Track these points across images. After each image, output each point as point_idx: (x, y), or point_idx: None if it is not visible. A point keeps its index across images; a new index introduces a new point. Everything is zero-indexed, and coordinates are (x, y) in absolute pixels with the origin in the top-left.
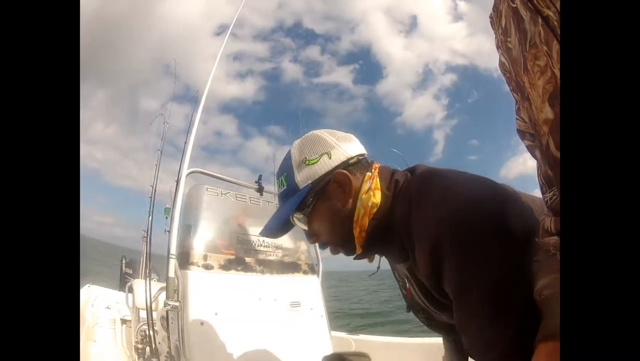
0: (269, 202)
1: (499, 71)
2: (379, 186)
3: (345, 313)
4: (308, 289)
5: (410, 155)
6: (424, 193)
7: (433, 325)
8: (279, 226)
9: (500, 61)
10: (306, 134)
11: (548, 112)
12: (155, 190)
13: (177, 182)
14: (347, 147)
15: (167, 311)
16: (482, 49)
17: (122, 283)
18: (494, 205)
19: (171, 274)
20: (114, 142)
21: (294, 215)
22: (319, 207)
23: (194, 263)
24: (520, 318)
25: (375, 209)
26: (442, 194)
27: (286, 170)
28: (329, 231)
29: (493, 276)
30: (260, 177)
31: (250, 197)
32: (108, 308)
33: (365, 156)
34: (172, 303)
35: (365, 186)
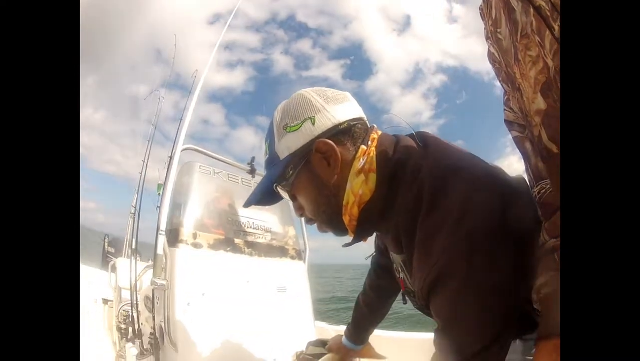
0: None
1: (490, 75)
2: (374, 166)
3: (328, 302)
4: (294, 275)
5: None
6: (440, 198)
7: (427, 312)
8: (259, 197)
9: (489, 51)
10: (293, 95)
11: (540, 103)
12: (147, 165)
13: (171, 157)
14: (336, 110)
15: (152, 290)
16: (475, 51)
17: (104, 261)
18: (506, 244)
19: (159, 251)
20: (101, 127)
21: (276, 186)
22: (300, 180)
23: (183, 241)
24: (500, 340)
25: (367, 198)
26: (460, 214)
27: (269, 137)
28: (313, 209)
29: (485, 308)
30: (252, 159)
31: (242, 178)
32: (89, 286)
33: (363, 120)
34: (159, 281)
35: (357, 164)
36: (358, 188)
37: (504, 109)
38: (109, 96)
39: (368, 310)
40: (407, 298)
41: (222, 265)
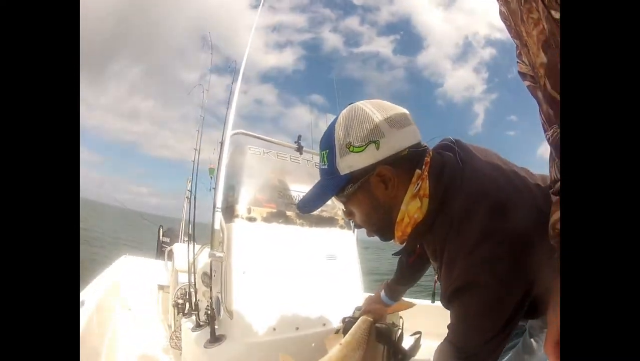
0: (308, 160)
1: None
2: (427, 192)
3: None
4: (344, 244)
5: (450, 127)
6: (464, 224)
7: None
8: (313, 204)
9: (500, 10)
10: (354, 108)
11: (542, 57)
12: (199, 152)
13: (222, 142)
14: (399, 136)
15: (210, 263)
16: None
17: (159, 251)
18: (520, 273)
19: (216, 226)
20: (151, 114)
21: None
22: (357, 196)
23: (238, 216)
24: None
25: (420, 219)
26: (478, 240)
27: (328, 147)
28: (366, 220)
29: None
30: (299, 137)
31: (290, 155)
32: (146, 275)
33: (419, 143)
34: (217, 253)
35: (413, 189)
36: (414, 212)
37: (517, 62)
38: (158, 84)
39: (410, 271)
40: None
41: (275, 236)
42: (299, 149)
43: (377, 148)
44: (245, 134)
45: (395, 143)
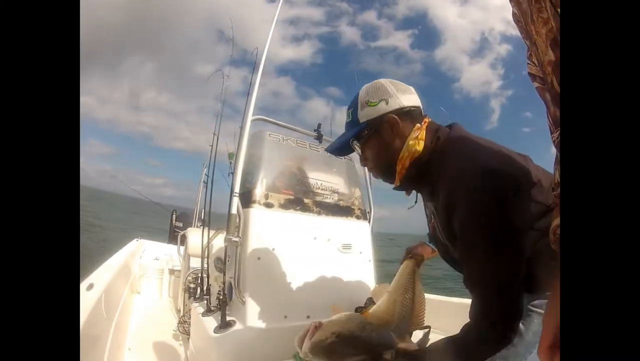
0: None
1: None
2: (424, 137)
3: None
4: (359, 234)
5: (467, 121)
6: (452, 155)
7: (448, 259)
8: (339, 147)
9: (513, 11)
10: (374, 81)
11: (550, 55)
12: (217, 137)
13: (242, 127)
14: (403, 98)
15: (225, 248)
16: None
17: (172, 235)
18: (502, 181)
19: (233, 211)
20: (167, 107)
21: (353, 142)
22: (371, 140)
23: (256, 201)
24: (512, 266)
25: (417, 155)
26: (463, 161)
27: (353, 106)
28: (376, 160)
29: (492, 231)
30: (319, 125)
31: (310, 144)
32: (157, 259)
33: (420, 108)
34: (233, 238)
35: (414, 135)
36: (413, 148)
37: (527, 63)
38: (173, 78)
39: None
40: (432, 241)
41: (291, 223)
42: (319, 138)
43: (387, 104)
44: (265, 120)
45: (401, 102)
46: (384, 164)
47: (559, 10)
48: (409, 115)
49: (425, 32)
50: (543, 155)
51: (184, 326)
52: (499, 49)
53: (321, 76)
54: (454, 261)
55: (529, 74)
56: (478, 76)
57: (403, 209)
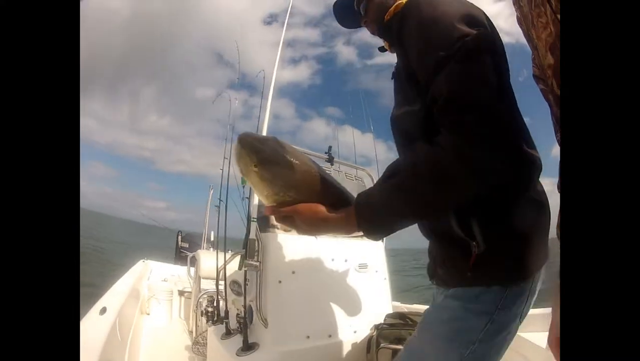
0: (339, 171)
1: None
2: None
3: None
4: (374, 253)
5: None
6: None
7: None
8: (340, 10)
9: (517, 16)
10: None
11: (550, 59)
12: (230, 161)
13: None
14: None
15: (245, 272)
16: None
17: (178, 256)
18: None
19: (252, 236)
20: (167, 131)
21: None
22: (369, 4)
23: (274, 226)
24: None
25: (400, 6)
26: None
27: None
28: (374, 18)
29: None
30: (330, 148)
31: (322, 166)
32: (165, 280)
33: None
34: (253, 262)
35: None
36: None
37: (532, 66)
38: (173, 101)
39: None
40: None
41: (309, 245)
42: (330, 160)
43: None
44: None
45: None
46: (378, 20)
47: (558, 16)
48: None
49: None
50: (543, 159)
51: (198, 348)
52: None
53: (320, 97)
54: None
55: (534, 76)
56: None
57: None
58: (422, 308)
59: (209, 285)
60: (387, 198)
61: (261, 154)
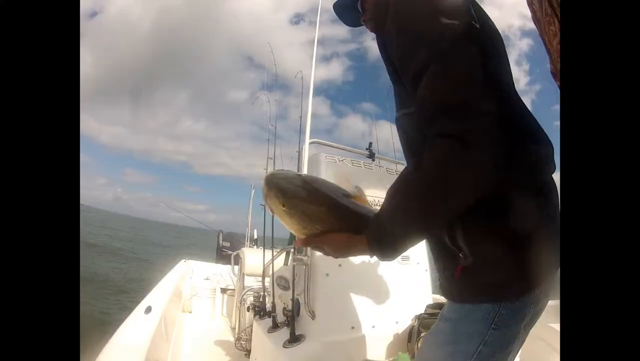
0: (380, 167)
1: None
2: None
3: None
4: (416, 246)
5: None
6: None
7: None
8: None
9: (532, 15)
10: None
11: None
12: (274, 159)
13: (300, 151)
14: None
15: (293, 267)
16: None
17: (219, 255)
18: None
19: None
20: (204, 135)
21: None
22: None
23: None
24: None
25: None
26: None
27: None
28: (368, 12)
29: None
30: (370, 144)
31: (364, 162)
32: (207, 279)
33: None
34: (302, 257)
35: None
36: None
37: (549, 62)
38: (207, 106)
39: None
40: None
41: None
42: (371, 156)
43: None
44: (320, 143)
45: None
46: (373, 17)
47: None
48: None
49: None
50: None
51: (241, 343)
52: (520, 45)
53: (354, 93)
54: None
55: (551, 72)
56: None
57: None
58: None
59: (252, 282)
60: (391, 220)
61: (287, 194)
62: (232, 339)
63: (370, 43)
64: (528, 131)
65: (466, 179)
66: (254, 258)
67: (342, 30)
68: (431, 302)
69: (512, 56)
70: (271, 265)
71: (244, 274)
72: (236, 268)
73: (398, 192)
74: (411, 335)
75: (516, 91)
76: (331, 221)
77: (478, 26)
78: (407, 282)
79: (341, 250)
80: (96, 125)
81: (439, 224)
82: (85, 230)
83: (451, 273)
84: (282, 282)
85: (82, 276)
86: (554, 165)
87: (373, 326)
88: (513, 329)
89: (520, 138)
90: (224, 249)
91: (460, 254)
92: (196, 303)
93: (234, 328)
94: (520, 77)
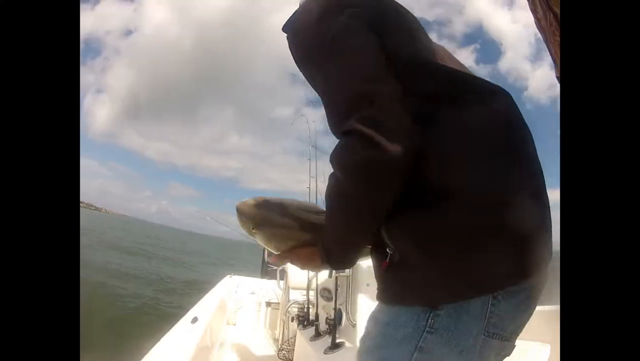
0: None
1: None
2: None
3: None
4: None
5: (541, 130)
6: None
7: None
8: None
9: (536, 23)
10: None
11: None
12: (316, 179)
13: None
14: None
15: (335, 279)
16: None
17: (264, 271)
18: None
19: None
20: (250, 150)
21: None
22: None
23: None
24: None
25: None
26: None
27: None
28: None
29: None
30: None
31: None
32: (252, 293)
33: None
34: (346, 271)
35: None
36: None
37: (555, 68)
38: (253, 121)
39: None
40: None
41: None
42: None
43: None
44: None
45: None
46: None
47: None
48: None
49: (486, 45)
50: None
51: (284, 353)
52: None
53: None
54: None
55: (558, 78)
56: (543, 81)
57: None
58: None
59: (296, 295)
60: (327, 236)
61: (255, 220)
62: (274, 350)
63: None
64: (449, 96)
65: (378, 169)
66: (298, 272)
67: None
68: None
69: (547, 60)
70: (315, 278)
71: (289, 287)
72: (281, 282)
73: (326, 207)
74: None
75: (438, 62)
76: (300, 238)
77: (373, 11)
78: None
79: (309, 263)
80: (142, 140)
81: (366, 226)
82: (129, 239)
83: (378, 271)
84: (325, 293)
85: (143, 276)
86: (502, 128)
87: None
88: (462, 332)
89: (436, 105)
90: (269, 265)
91: (387, 250)
92: (240, 316)
93: (277, 340)
94: (556, 82)
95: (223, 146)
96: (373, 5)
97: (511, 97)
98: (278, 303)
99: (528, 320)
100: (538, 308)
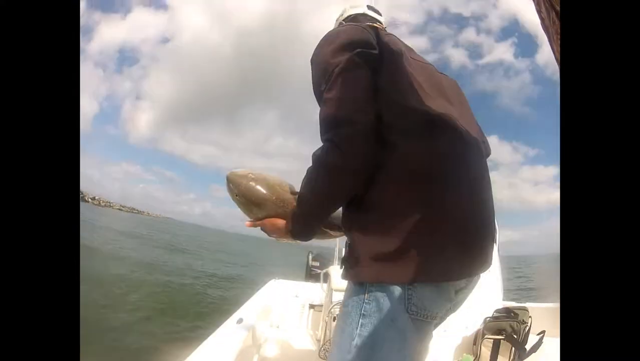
0: None
1: None
2: None
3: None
4: None
5: None
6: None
7: None
8: None
9: (541, 23)
10: None
11: None
12: None
13: None
14: (350, 10)
15: None
16: None
17: (308, 274)
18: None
19: None
20: (295, 152)
21: None
22: None
23: None
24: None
25: None
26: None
27: None
28: None
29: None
30: None
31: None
32: (297, 296)
33: (366, 14)
34: None
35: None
36: None
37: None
38: (296, 124)
39: None
40: None
41: None
42: None
43: (342, 16)
44: None
45: (348, 12)
46: None
47: None
48: (354, 19)
49: (523, 38)
50: None
51: (325, 353)
52: None
53: None
54: None
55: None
56: None
57: (534, 230)
58: (532, 305)
59: (339, 297)
60: (297, 207)
61: (240, 188)
62: (315, 349)
63: (451, 51)
64: (417, 131)
65: (338, 172)
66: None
67: (422, 41)
68: (500, 307)
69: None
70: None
71: (332, 289)
72: (324, 285)
73: (301, 187)
74: (476, 337)
75: (420, 99)
76: (272, 209)
77: (375, 52)
78: (478, 288)
79: (276, 231)
80: (185, 144)
81: (325, 209)
82: (174, 240)
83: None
84: None
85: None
86: (455, 155)
87: (444, 330)
88: (388, 307)
89: (402, 137)
90: (314, 268)
91: (347, 241)
92: (284, 318)
93: (319, 340)
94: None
95: (268, 147)
96: (374, 46)
97: (464, 132)
98: (321, 305)
99: (458, 306)
100: (551, 305)
